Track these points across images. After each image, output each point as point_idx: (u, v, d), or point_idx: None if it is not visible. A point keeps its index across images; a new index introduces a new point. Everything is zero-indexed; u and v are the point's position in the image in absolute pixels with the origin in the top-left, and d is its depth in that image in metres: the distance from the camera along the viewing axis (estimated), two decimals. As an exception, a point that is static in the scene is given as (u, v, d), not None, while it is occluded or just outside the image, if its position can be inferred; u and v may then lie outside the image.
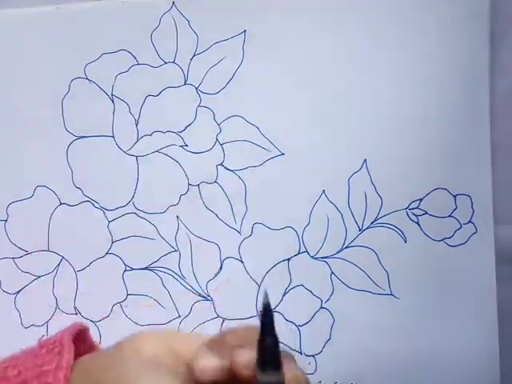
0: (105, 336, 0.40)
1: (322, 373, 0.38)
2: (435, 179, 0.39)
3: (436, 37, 0.39)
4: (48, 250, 0.41)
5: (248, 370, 0.22)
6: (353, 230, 0.39)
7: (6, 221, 0.42)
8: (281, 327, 0.39)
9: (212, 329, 0.39)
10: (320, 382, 0.38)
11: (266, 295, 0.23)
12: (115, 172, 0.40)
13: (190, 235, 0.40)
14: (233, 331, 0.24)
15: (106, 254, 0.41)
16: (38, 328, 0.42)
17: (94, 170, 0.41)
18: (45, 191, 0.42)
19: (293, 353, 0.24)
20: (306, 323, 0.39)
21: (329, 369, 0.38)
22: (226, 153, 0.40)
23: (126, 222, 0.41)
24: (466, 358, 0.38)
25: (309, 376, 0.38)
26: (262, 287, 0.39)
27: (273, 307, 0.38)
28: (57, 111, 0.42)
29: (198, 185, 0.40)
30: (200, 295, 0.40)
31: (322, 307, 0.39)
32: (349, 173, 0.39)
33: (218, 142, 0.40)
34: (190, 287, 0.40)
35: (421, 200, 0.39)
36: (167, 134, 0.41)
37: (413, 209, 0.39)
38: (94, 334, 0.40)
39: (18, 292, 0.42)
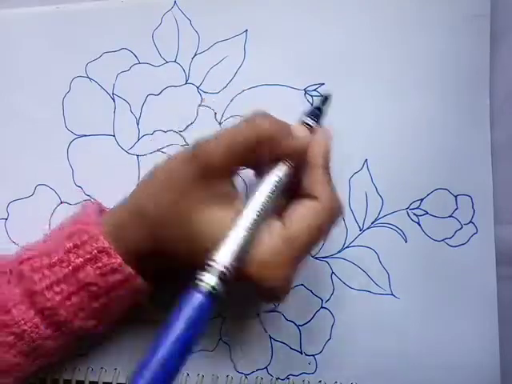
0: (105, 335, 0.40)
1: (322, 373, 0.38)
2: (436, 179, 0.39)
3: (436, 37, 0.39)
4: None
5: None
6: (353, 230, 0.39)
7: (6, 219, 0.42)
8: (281, 327, 0.39)
9: (212, 328, 0.39)
10: (320, 381, 0.38)
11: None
12: (116, 171, 0.40)
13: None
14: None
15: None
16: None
17: (95, 169, 0.41)
18: (45, 190, 0.42)
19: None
20: (307, 323, 0.39)
21: (329, 369, 0.38)
22: (226, 152, 0.40)
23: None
24: (466, 357, 0.38)
25: (309, 376, 0.38)
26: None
27: (273, 306, 0.38)
28: (57, 110, 0.42)
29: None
30: (200, 294, 0.39)
31: (322, 307, 0.39)
32: (349, 173, 0.39)
33: (218, 142, 0.40)
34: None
35: (421, 200, 0.39)
36: (168, 133, 0.41)
37: (413, 209, 0.39)
38: (94, 333, 0.40)
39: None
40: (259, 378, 0.39)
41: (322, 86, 0.40)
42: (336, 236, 0.39)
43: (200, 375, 0.39)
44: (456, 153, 0.39)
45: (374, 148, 0.39)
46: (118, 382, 0.39)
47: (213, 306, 0.26)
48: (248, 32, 0.41)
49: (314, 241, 0.30)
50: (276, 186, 0.30)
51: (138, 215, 0.31)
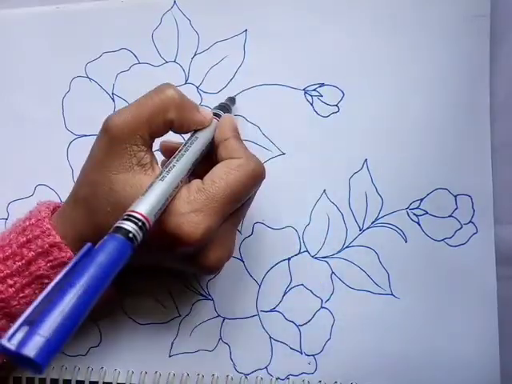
0: (105, 335, 0.40)
1: (322, 373, 0.38)
2: (436, 179, 0.39)
3: (436, 37, 0.39)
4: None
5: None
6: (353, 230, 0.39)
7: (6, 219, 0.42)
8: (281, 327, 0.39)
9: (212, 328, 0.39)
10: (320, 381, 0.38)
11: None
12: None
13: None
14: None
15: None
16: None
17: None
18: (45, 190, 0.42)
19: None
20: (307, 323, 0.39)
21: (329, 369, 0.38)
22: (226, 152, 0.40)
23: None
24: (465, 357, 0.38)
25: (309, 376, 0.38)
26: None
27: (273, 306, 0.38)
28: (57, 110, 0.42)
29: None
30: (200, 294, 0.39)
31: (322, 307, 0.39)
32: (349, 173, 0.39)
33: (218, 142, 0.40)
34: (190, 286, 0.40)
35: (421, 200, 0.39)
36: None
37: (413, 209, 0.39)
38: (94, 333, 0.40)
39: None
40: (259, 377, 0.39)
41: (322, 87, 0.40)
42: (336, 236, 0.39)
43: (200, 375, 0.39)
44: (456, 153, 0.39)
45: (374, 148, 0.39)
46: (118, 381, 0.39)
47: (129, 253, 0.25)
48: (248, 32, 0.41)
49: (234, 195, 0.31)
50: (191, 148, 0.32)
51: (74, 201, 0.33)
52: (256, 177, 0.32)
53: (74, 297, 0.21)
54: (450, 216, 0.39)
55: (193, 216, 0.29)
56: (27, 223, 0.33)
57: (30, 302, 0.31)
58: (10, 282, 0.32)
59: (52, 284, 0.23)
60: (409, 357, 0.38)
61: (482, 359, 0.38)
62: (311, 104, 0.40)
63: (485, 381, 0.37)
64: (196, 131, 0.33)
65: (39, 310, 0.22)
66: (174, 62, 0.41)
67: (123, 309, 0.40)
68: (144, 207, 0.27)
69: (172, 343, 0.39)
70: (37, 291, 0.32)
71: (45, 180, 0.42)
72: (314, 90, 0.40)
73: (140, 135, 0.31)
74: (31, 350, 0.20)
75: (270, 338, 0.39)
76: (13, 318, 0.32)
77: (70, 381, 0.40)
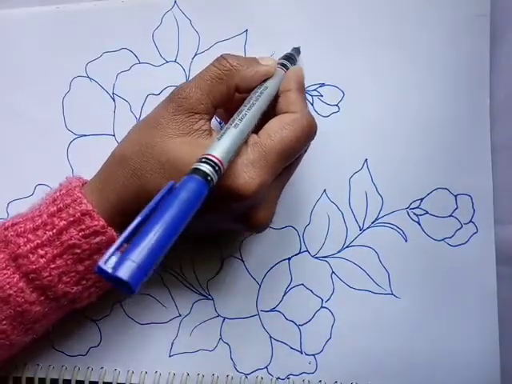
0: (105, 335, 0.40)
1: (322, 372, 0.38)
2: (436, 179, 0.39)
3: (436, 37, 0.39)
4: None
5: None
6: (353, 230, 0.39)
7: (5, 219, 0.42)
8: (281, 327, 0.39)
9: (212, 328, 0.39)
10: (320, 381, 0.38)
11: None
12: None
13: (191, 234, 0.40)
14: None
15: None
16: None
17: (95, 169, 0.41)
18: (45, 190, 0.41)
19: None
20: (307, 322, 0.39)
21: (329, 368, 0.38)
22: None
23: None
24: (466, 357, 0.38)
25: (309, 376, 0.38)
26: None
27: (273, 306, 0.38)
28: (57, 110, 0.42)
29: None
30: (201, 294, 0.39)
31: (322, 306, 0.39)
32: (350, 172, 0.39)
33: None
34: (190, 286, 0.40)
35: (421, 200, 0.39)
36: (168, 132, 0.41)
37: (413, 208, 0.39)
38: (94, 333, 0.40)
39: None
40: (259, 377, 0.39)
41: (322, 87, 0.40)
42: (336, 236, 0.39)
43: (200, 375, 0.39)
44: (456, 152, 0.39)
45: (374, 148, 0.39)
46: (118, 381, 0.39)
47: (206, 194, 0.26)
48: (248, 32, 0.41)
49: (287, 150, 0.31)
50: (261, 98, 0.32)
51: (120, 161, 0.32)
52: (308, 133, 0.32)
53: (159, 229, 0.23)
54: (450, 216, 0.39)
55: (248, 169, 0.30)
56: (57, 194, 0.33)
57: (62, 274, 0.31)
58: (41, 252, 0.31)
59: (138, 217, 0.24)
60: (409, 356, 0.38)
61: (482, 359, 0.38)
62: (311, 104, 0.40)
63: (485, 381, 0.38)
64: (264, 81, 0.34)
65: (128, 239, 0.24)
66: (175, 61, 0.41)
67: (123, 308, 0.40)
68: (220, 152, 0.27)
69: (172, 343, 0.39)
70: (69, 262, 0.31)
71: (45, 180, 0.42)
72: (315, 89, 0.40)
73: (204, 104, 0.32)
74: (125, 274, 0.22)
75: (271, 337, 0.39)
76: (44, 291, 0.32)
77: (69, 381, 0.40)
